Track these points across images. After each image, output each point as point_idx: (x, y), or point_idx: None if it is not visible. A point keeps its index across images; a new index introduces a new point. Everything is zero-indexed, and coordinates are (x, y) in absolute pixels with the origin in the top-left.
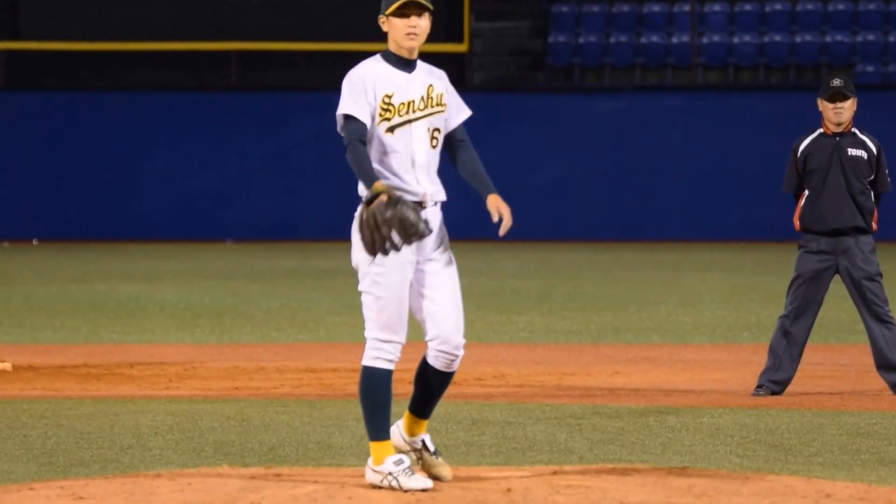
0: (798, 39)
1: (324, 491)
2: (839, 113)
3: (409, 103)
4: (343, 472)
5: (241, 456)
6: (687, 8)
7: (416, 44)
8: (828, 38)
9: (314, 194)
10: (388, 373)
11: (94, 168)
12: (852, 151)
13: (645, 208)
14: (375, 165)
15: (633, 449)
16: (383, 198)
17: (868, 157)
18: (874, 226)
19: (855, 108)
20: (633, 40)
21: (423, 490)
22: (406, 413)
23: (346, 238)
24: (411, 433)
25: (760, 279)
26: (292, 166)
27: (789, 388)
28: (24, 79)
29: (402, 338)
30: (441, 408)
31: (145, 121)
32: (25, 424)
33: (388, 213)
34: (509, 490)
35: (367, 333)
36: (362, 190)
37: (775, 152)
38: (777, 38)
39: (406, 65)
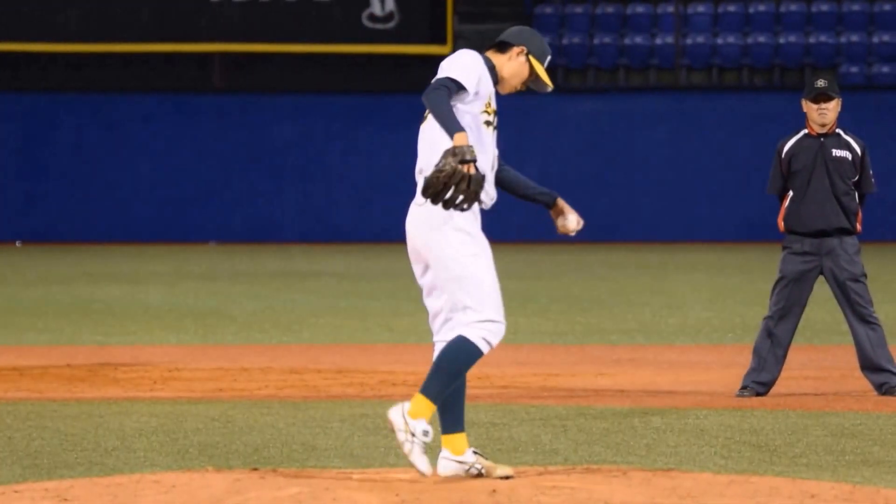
0: (782, 40)
1: (308, 493)
2: (823, 114)
3: (495, 113)
4: (327, 474)
5: (225, 457)
6: (671, 9)
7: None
8: (812, 39)
9: (297, 196)
10: (481, 355)
11: (77, 170)
12: (837, 152)
13: (629, 209)
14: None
15: (617, 450)
16: (474, 157)
17: (852, 157)
18: (858, 227)
19: (839, 109)
20: (616, 41)
21: (421, 474)
22: (445, 437)
23: (329, 240)
24: (462, 451)
25: (745, 280)
26: (275, 168)
27: (774, 389)
28: (4, 80)
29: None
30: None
31: (128, 122)
32: (10, 426)
33: (478, 175)
34: (494, 491)
35: (474, 316)
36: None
37: (759, 153)
38: (761, 38)
39: (496, 83)
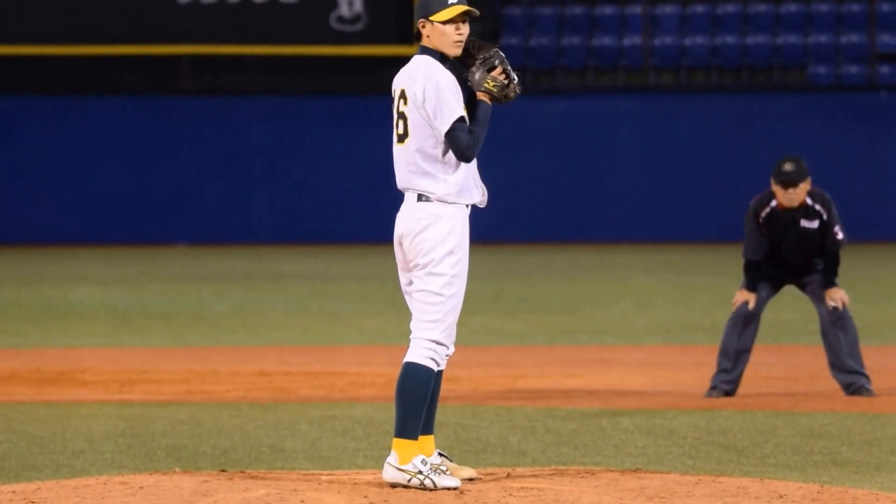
0: (750, 41)
1: (276, 494)
2: (791, 198)
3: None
4: (296, 476)
5: (193, 460)
6: (639, 10)
7: (461, 51)
8: (780, 40)
9: (267, 197)
10: (434, 373)
11: (46, 171)
12: (805, 223)
13: (598, 210)
14: (453, 160)
15: (586, 451)
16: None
17: (820, 224)
18: (837, 273)
19: (808, 187)
20: (585, 42)
21: (455, 488)
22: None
23: (299, 241)
24: (428, 454)
25: (713, 280)
26: (245, 169)
27: (742, 390)
28: None
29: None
30: (392, 411)
31: (97, 124)
32: None
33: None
34: (462, 493)
35: (421, 334)
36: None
37: (728, 153)
38: (729, 39)
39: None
